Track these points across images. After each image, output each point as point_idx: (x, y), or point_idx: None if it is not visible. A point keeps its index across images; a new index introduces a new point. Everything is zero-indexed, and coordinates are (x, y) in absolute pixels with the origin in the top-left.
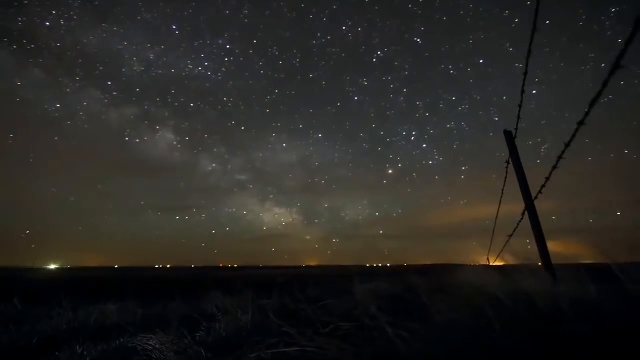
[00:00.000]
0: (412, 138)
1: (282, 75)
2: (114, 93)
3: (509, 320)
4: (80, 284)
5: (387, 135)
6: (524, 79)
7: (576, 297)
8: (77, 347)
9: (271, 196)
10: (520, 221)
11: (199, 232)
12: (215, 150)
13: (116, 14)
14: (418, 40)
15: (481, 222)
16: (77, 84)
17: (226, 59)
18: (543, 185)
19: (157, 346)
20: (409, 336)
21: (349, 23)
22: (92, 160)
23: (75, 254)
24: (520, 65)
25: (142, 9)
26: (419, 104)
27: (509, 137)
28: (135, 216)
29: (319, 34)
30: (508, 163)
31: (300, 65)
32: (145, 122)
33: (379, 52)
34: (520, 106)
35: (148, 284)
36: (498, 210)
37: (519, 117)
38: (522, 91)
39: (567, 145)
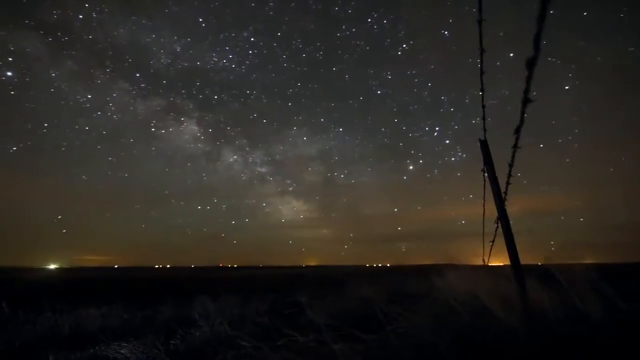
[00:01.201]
0: (435, 134)
1: (305, 69)
2: (142, 85)
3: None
4: (73, 286)
5: (410, 131)
6: (483, 97)
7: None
8: (50, 358)
9: (290, 189)
10: (496, 229)
11: (220, 223)
12: (237, 142)
13: (145, 6)
14: (446, 33)
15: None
16: (107, 76)
17: (250, 51)
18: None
19: (127, 355)
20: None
21: (375, 15)
22: (120, 149)
23: (96, 242)
24: (554, 59)
25: (170, 2)
26: (443, 98)
27: (484, 146)
28: (159, 205)
29: (343, 27)
30: (484, 171)
31: (323, 59)
32: (171, 113)
33: (404, 45)
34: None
35: (140, 287)
36: (484, 213)
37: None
38: (483, 106)
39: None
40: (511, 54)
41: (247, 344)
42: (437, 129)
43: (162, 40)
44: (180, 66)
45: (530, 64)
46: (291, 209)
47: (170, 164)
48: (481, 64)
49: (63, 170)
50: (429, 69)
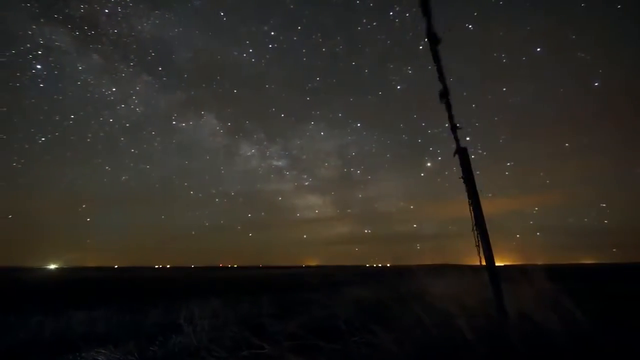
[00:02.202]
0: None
1: (324, 63)
2: (164, 79)
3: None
4: (68, 288)
5: (429, 127)
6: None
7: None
8: None
9: (306, 184)
10: (477, 236)
11: (237, 216)
12: (255, 136)
13: (169, 0)
14: (470, 26)
15: (516, 218)
16: (131, 70)
17: (270, 45)
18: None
19: None
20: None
21: (397, 9)
22: (142, 142)
23: (117, 231)
24: (583, 54)
25: None
26: (465, 94)
27: (464, 155)
28: (178, 197)
29: (364, 20)
30: (462, 178)
31: (343, 53)
32: (192, 107)
33: (426, 40)
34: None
35: (132, 289)
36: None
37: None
38: (452, 120)
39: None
40: (538, 49)
41: (216, 354)
42: (457, 125)
43: (184, 34)
44: (201, 60)
45: (442, 95)
46: (306, 203)
47: (189, 157)
48: (442, 81)
49: (88, 161)
50: (451, 64)
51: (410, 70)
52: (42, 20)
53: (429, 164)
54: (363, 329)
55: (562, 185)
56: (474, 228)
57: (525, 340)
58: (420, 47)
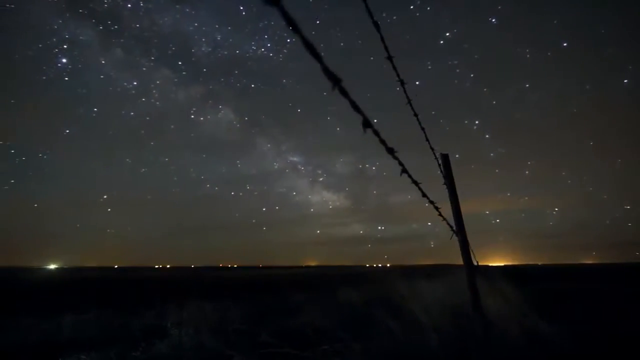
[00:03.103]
0: (475, 127)
1: (341, 57)
2: (184, 73)
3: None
4: (62, 289)
5: (447, 123)
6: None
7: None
8: None
9: (321, 179)
10: (462, 242)
11: (252, 209)
12: (271, 131)
13: None
14: (493, 20)
15: (531, 219)
16: (151, 64)
17: (288, 40)
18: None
19: None
20: None
21: (418, 2)
22: (162, 135)
23: (138, 220)
24: (613, 50)
25: None
26: (486, 90)
27: (445, 161)
28: (195, 190)
29: (384, 14)
30: (445, 184)
31: (361, 48)
32: (210, 101)
33: (447, 34)
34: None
35: (124, 290)
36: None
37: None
38: (422, 128)
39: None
40: (564, 44)
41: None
42: (476, 122)
43: (204, 28)
44: (220, 54)
45: (366, 125)
46: (320, 198)
47: (207, 151)
48: (406, 95)
49: (110, 153)
50: (472, 59)
51: (429, 65)
52: (67, 14)
53: None
54: (335, 337)
55: (582, 186)
56: (454, 234)
57: (494, 339)
58: (441, 42)
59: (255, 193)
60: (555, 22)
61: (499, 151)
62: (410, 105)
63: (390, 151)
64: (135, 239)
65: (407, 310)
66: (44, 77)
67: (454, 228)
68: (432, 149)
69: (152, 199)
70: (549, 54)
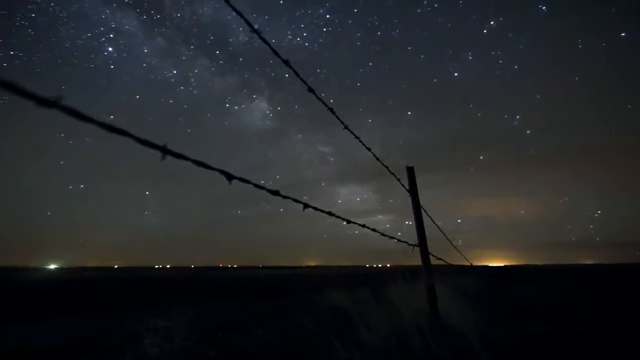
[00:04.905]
0: (516, 122)
1: (378, 48)
2: (221, 62)
3: None
4: (51, 290)
5: (486, 117)
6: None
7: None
8: None
9: (349, 172)
10: (426, 251)
11: (281, 199)
12: (302, 121)
13: None
14: (544, 7)
15: (571, 222)
16: (191, 53)
17: (324, 29)
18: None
19: None
20: None
21: None
22: (198, 123)
23: (168, 210)
24: None
25: None
26: (529, 83)
27: (410, 173)
28: (225, 182)
29: (425, 2)
30: (409, 197)
31: (399, 37)
32: (244, 90)
33: (492, 22)
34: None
35: (117, 291)
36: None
37: None
38: (368, 148)
39: None
40: (622, 34)
41: None
42: (517, 117)
43: (241, 17)
44: (256, 44)
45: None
46: (347, 191)
47: (240, 139)
48: (341, 121)
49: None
50: (517, 50)
51: (470, 56)
52: (114, 4)
53: (481, 157)
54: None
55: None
56: (415, 246)
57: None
58: (485, 31)
59: (286, 182)
60: (613, 9)
61: (539, 148)
62: (348, 129)
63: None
64: (168, 226)
65: (380, 315)
66: (92, 66)
67: (418, 240)
68: (388, 168)
69: (186, 186)
70: (603, 44)
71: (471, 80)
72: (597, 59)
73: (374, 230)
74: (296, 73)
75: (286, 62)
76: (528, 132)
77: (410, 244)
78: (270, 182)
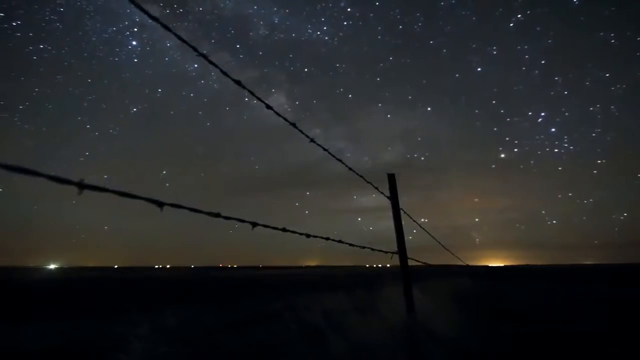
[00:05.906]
0: (540, 120)
1: (399, 42)
2: (240, 56)
3: None
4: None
5: (509, 114)
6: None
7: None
8: None
9: (367, 167)
10: (405, 256)
11: (295, 193)
12: (321, 116)
13: None
14: (576, 1)
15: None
16: (211, 46)
17: (345, 23)
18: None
19: None
20: None
21: None
22: (217, 116)
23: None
24: None
25: None
26: (557, 79)
27: (391, 180)
28: (244, 172)
29: None
30: (391, 203)
31: (421, 31)
32: (263, 85)
33: (519, 15)
34: None
35: (112, 292)
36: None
37: None
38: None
39: None
40: None
41: None
42: (542, 114)
43: (262, 11)
44: (276, 37)
45: (238, 84)
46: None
47: (258, 133)
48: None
49: (171, 132)
50: (545, 44)
51: (494, 50)
52: None
53: (502, 155)
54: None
55: None
56: (394, 253)
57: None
58: (511, 25)
59: (302, 176)
60: None
61: (565, 147)
62: (315, 142)
63: (238, 83)
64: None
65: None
66: (117, 59)
67: (397, 247)
68: (363, 177)
69: (206, 176)
70: (638, 39)
71: (495, 76)
72: (628, 56)
73: (340, 241)
74: (251, 92)
75: (238, 82)
76: (553, 130)
77: (387, 252)
78: (287, 176)
